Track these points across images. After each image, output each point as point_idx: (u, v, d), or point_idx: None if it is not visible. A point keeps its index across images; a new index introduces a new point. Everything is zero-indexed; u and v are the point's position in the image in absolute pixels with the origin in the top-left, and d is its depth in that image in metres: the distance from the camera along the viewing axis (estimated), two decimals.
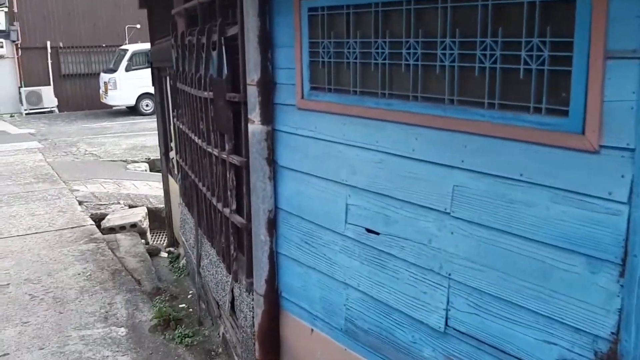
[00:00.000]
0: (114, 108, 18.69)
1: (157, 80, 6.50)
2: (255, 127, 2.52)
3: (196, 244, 4.00)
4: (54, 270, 5.10)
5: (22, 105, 18.48)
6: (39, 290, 4.67)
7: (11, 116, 18.19)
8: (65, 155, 11.37)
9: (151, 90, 17.70)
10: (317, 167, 2.34)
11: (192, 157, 3.93)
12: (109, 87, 17.22)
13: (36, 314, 4.23)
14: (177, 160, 5.50)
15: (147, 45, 18.55)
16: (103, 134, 14.22)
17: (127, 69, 17.26)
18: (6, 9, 18.23)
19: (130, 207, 7.68)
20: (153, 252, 6.22)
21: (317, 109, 2.32)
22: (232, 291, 3.13)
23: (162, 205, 7.76)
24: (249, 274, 2.75)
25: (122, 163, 10.86)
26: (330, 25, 2.21)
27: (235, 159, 2.81)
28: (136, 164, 10.86)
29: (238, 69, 2.75)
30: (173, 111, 5.54)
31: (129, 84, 17.26)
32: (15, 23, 18.32)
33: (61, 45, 19.24)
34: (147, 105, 17.76)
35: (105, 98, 17.56)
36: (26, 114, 18.37)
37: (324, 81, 2.28)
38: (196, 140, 3.64)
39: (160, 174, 10.60)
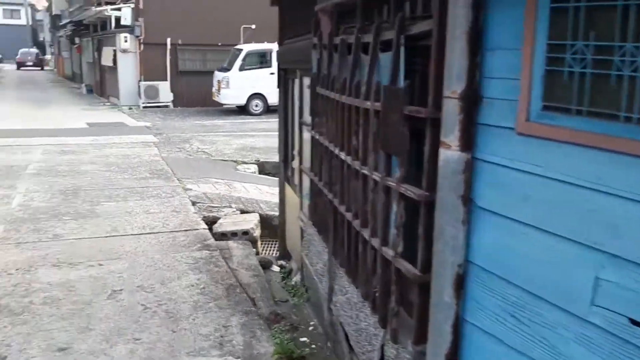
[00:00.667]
0: (225, 107, 18.95)
1: (282, 82, 6.09)
2: (450, 153, 1.92)
3: (327, 275, 3.48)
4: (167, 279, 4.81)
5: (140, 98, 19.23)
6: (152, 301, 4.36)
7: (129, 108, 18.96)
8: (179, 152, 11.44)
9: (262, 91, 17.78)
10: (545, 218, 1.69)
11: (331, 175, 3.40)
12: (222, 86, 17.43)
13: (148, 330, 3.90)
14: (301, 170, 5.04)
15: (261, 46, 18.69)
16: (214, 132, 14.31)
17: (241, 69, 17.39)
18: (132, 5, 19.04)
19: (242, 212, 7.38)
20: (265, 265, 5.81)
21: (551, 136, 1.67)
22: (382, 348, 2.55)
23: (273, 213, 7.39)
24: (419, 340, 2.15)
25: (233, 163, 10.71)
26: (588, 23, 1.56)
27: (410, 191, 2.22)
28: (246, 165, 10.68)
29: (421, 76, 2.17)
30: (301, 117, 5.10)
31: (241, 84, 17.39)
32: (139, 19, 19.10)
33: (180, 42, 19.81)
34: (256, 106, 17.82)
35: (218, 96, 17.81)
36: (143, 107, 19.08)
37: (568, 99, 1.62)
38: (342, 156, 3.10)
39: (269, 177, 10.35)
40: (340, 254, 3.22)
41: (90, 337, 3.77)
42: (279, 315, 4.16)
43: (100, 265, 5.10)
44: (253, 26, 20.30)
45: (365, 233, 2.71)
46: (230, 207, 7.43)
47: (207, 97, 19.39)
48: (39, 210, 6.80)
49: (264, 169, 10.91)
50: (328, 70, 3.48)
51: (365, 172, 2.70)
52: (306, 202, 4.51)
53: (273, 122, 16.62)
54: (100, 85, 23.43)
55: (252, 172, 10.48)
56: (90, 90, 25.15)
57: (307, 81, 4.75)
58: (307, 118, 4.70)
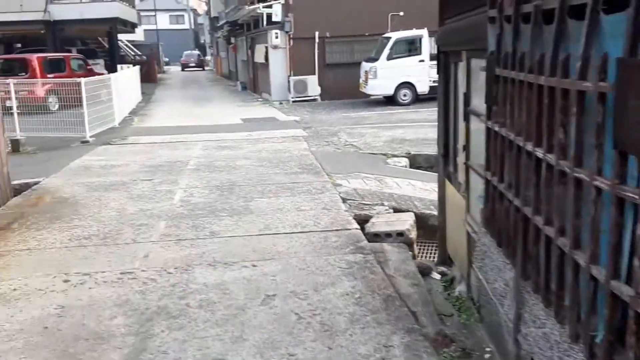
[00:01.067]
0: (371, 97, 18.60)
1: (443, 67, 5.47)
2: None
3: (513, 299, 2.85)
4: (320, 285, 4.49)
5: (289, 93, 19.61)
6: (306, 310, 4.06)
7: (280, 103, 19.42)
8: (327, 145, 11.27)
9: (410, 79, 17.11)
10: None
11: (519, 176, 2.76)
12: (369, 77, 17.07)
13: (303, 344, 3.59)
14: (469, 167, 4.40)
15: (410, 33, 17.97)
16: (361, 124, 14.00)
17: (389, 58, 16.89)
18: (282, 1, 19.42)
19: (395, 210, 6.89)
20: (423, 272, 5.27)
21: None
22: None
23: (429, 212, 6.81)
24: None
25: (382, 157, 10.27)
26: None
27: None
28: (396, 159, 10.17)
29: None
30: (467, 106, 4.45)
31: (388, 73, 16.90)
32: (289, 15, 19.43)
33: (327, 35, 19.83)
34: (405, 96, 17.21)
35: (365, 87, 17.50)
36: (292, 101, 19.43)
37: None
38: (538, 154, 2.46)
39: (423, 172, 9.75)
40: (533, 276, 2.58)
41: (244, 349, 3.55)
42: (448, 337, 3.60)
43: (254, 266, 4.94)
44: (401, 13, 19.69)
45: (580, 257, 2.06)
46: (383, 204, 6.98)
47: (353, 89, 19.18)
48: (197, 206, 6.94)
49: (415, 162, 10.32)
50: (513, 46, 2.83)
51: (581, 176, 2.04)
52: (477, 205, 3.88)
53: (423, 111, 16.01)
54: (253, 82, 24.43)
55: (403, 166, 9.94)
56: (244, 87, 26.39)
57: (477, 63, 4.10)
58: (478, 106, 4.05)
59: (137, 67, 23.12)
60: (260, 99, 21.51)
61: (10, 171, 9.29)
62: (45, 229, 6.11)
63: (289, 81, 19.60)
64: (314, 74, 19.83)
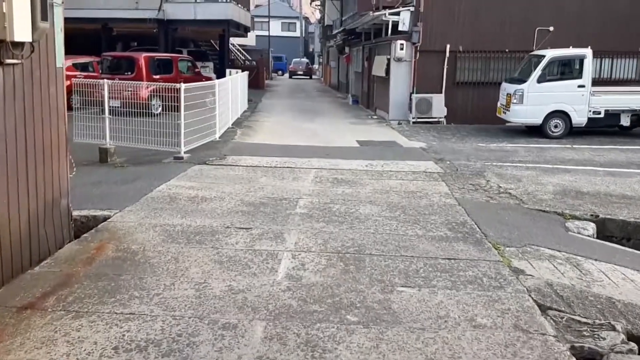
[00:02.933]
0: (507, 125, 15.63)
1: None
2: None
3: None
4: None
5: (410, 113, 17.08)
6: None
7: (399, 124, 16.93)
8: (474, 191, 8.62)
9: (564, 108, 13.87)
10: None
11: None
12: (513, 101, 14.13)
13: None
14: None
15: (570, 51, 14.68)
16: (508, 160, 11.16)
17: (540, 80, 13.86)
18: (412, 9, 16.98)
19: (631, 337, 4.18)
20: None
21: None
22: None
23: None
24: None
25: (558, 218, 7.47)
26: None
27: None
28: (578, 223, 7.32)
29: None
30: None
31: (538, 99, 13.89)
32: (418, 24, 16.94)
33: (460, 49, 17.10)
34: (556, 127, 14.11)
35: (505, 113, 14.56)
36: (413, 122, 16.87)
37: None
38: None
39: (631, 250, 6.81)
40: None
41: None
42: None
43: None
44: (551, 28, 16.58)
45: None
46: (611, 326, 4.27)
47: (487, 113, 16.31)
48: (311, 291, 4.62)
49: (605, 229, 7.42)
50: None
51: None
52: None
53: (583, 149, 12.65)
54: (367, 97, 22.14)
55: (591, 235, 7.09)
56: (356, 101, 24.19)
57: None
58: None
59: (246, 73, 21.66)
60: (375, 117, 19.14)
61: (87, 190, 7.54)
62: (88, 317, 4.04)
63: (410, 99, 17.07)
64: (441, 92, 17.15)
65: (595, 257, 6.01)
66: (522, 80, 14.29)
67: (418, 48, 17.13)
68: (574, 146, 13.03)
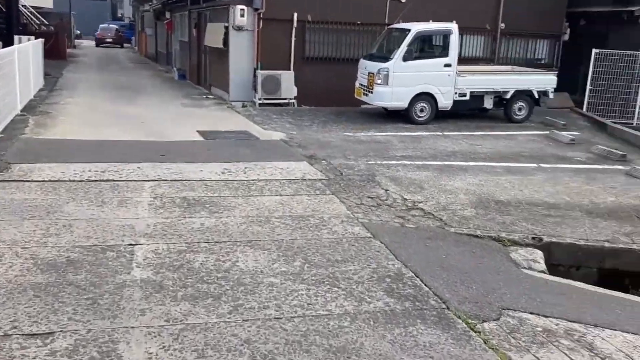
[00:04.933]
0: (364, 107, 13.95)
1: None
2: None
3: None
4: None
5: (255, 92, 14.47)
6: None
7: (243, 106, 14.22)
8: (378, 208, 6.45)
9: (430, 90, 12.24)
10: None
11: None
12: (377, 81, 12.33)
13: None
14: None
15: (437, 26, 13.22)
16: (391, 157, 9.24)
17: (406, 58, 12.21)
18: None
19: None
20: None
21: None
22: None
23: None
24: None
25: (497, 246, 5.64)
26: None
27: None
28: (523, 252, 5.58)
29: None
30: None
31: (405, 80, 12.25)
32: None
33: (309, 19, 14.87)
34: (421, 111, 12.65)
35: (368, 95, 12.73)
36: (260, 104, 14.31)
37: None
38: None
39: (630, 297, 4.86)
40: None
41: None
42: None
43: None
44: (403, 0, 15.15)
45: None
46: None
47: (340, 94, 14.41)
48: None
49: (552, 257, 5.79)
50: None
51: None
52: None
53: (455, 137, 11.26)
54: (198, 71, 18.92)
55: (544, 271, 5.37)
56: (182, 76, 20.75)
57: None
58: None
59: (41, 40, 17.02)
60: (211, 97, 16.13)
61: None
62: None
63: (255, 76, 14.45)
64: (289, 69, 14.82)
65: (589, 319, 4.22)
66: (385, 57, 12.53)
67: (261, 15, 14.49)
68: (444, 133, 11.69)
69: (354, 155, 9.11)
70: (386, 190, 7.19)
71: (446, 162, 8.96)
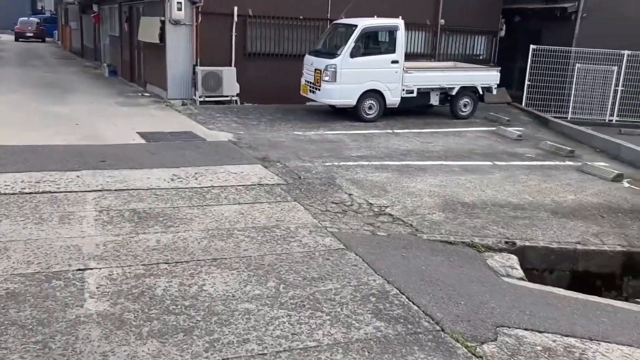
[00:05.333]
0: (309, 104, 13.64)
1: None
2: None
3: None
4: None
5: (196, 90, 13.78)
6: None
7: (183, 104, 13.51)
8: (344, 214, 6.12)
9: (378, 86, 12.07)
10: None
11: None
12: (325, 78, 12.00)
13: None
14: None
15: (383, 21, 13.06)
16: (347, 157, 8.94)
17: (353, 54, 11.94)
18: None
19: None
20: None
21: None
22: None
23: None
24: None
25: (472, 252, 5.45)
26: None
27: None
28: (498, 258, 5.42)
29: None
30: None
31: (353, 77, 11.99)
32: None
33: (250, 13, 14.32)
34: (370, 108, 12.44)
35: (315, 92, 12.38)
36: (201, 102, 13.64)
37: None
38: None
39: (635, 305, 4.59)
40: None
41: None
42: None
43: None
44: None
45: None
46: None
47: (283, 91, 14.02)
48: None
49: (526, 261, 5.66)
50: None
51: None
52: None
53: (407, 135, 11.10)
54: (131, 67, 17.87)
55: (522, 277, 5.22)
56: (113, 72, 19.58)
57: None
58: None
59: None
60: (147, 94, 15.22)
61: None
62: None
63: (195, 73, 13.75)
64: (231, 65, 14.21)
65: (582, 331, 4.07)
66: (332, 54, 12.22)
67: (200, 9, 13.79)
68: (395, 131, 11.53)
69: (309, 157, 8.73)
70: (349, 194, 6.86)
71: (403, 162, 8.76)
